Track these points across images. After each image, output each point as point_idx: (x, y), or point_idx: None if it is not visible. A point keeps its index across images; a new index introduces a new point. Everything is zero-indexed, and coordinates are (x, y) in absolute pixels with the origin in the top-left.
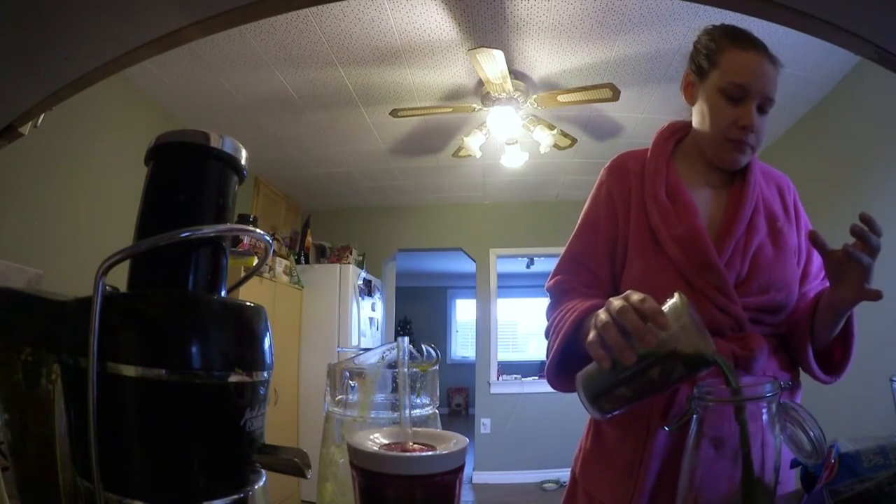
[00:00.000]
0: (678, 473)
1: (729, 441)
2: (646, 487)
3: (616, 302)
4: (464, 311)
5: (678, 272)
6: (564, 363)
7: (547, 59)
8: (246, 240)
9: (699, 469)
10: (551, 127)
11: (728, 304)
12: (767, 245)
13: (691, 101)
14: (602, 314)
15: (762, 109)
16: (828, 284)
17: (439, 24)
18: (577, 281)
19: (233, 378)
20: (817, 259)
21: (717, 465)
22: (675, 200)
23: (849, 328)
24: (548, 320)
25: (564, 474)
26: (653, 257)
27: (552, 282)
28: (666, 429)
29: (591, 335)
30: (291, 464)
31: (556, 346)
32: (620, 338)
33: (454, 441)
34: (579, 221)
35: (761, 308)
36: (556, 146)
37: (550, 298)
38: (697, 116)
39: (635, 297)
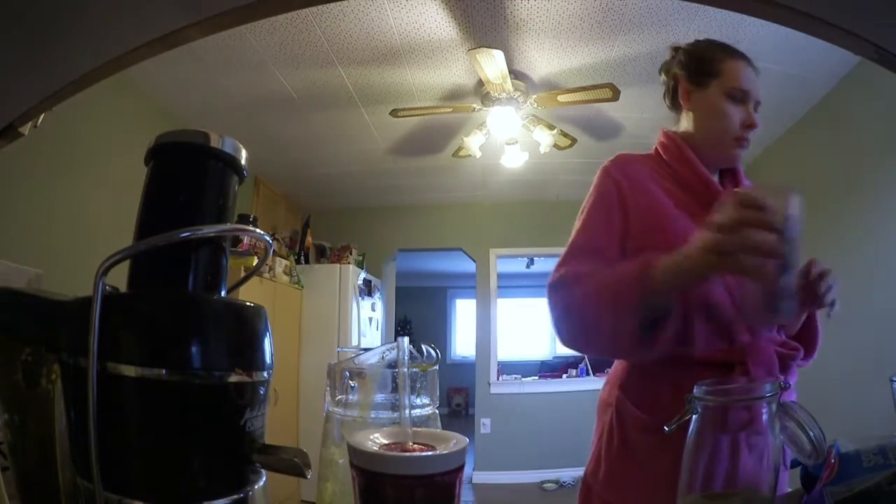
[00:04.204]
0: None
1: (729, 440)
2: None
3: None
4: (464, 311)
5: None
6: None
7: (547, 59)
8: (246, 240)
9: (699, 468)
10: (551, 127)
11: None
12: None
13: (687, 105)
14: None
15: (755, 110)
16: None
17: (439, 24)
18: (594, 270)
19: (233, 378)
20: None
21: (717, 463)
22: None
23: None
24: (565, 306)
25: (564, 474)
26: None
27: (563, 271)
28: (666, 429)
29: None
30: (291, 464)
31: (631, 301)
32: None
33: (454, 441)
34: (587, 213)
35: None
36: (556, 146)
37: (562, 287)
38: (698, 120)
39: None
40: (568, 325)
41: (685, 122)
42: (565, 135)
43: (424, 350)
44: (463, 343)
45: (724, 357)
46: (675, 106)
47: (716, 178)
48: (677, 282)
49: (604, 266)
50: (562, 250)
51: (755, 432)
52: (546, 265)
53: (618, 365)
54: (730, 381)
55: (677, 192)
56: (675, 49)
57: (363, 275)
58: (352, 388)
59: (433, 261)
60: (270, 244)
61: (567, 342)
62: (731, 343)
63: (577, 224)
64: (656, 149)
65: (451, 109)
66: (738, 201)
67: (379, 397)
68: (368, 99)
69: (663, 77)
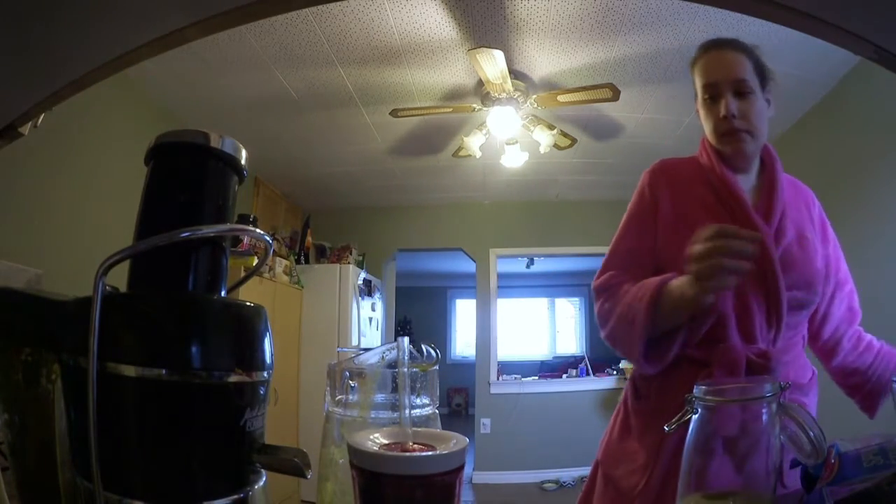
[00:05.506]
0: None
1: (729, 440)
2: (654, 480)
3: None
4: (464, 311)
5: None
6: (651, 337)
7: (547, 59)
8: (246, 240)
9: (698, 468)
10: (551, 127)
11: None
12: (795, 246)
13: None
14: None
15: (740, 94)
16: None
17: (439, 24)
18: (631, 278)
19: (232, 378)
20: (843, 267)
21: (717, 463)
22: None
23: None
24: (601, 314)
25: (564, 474)
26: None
27: (605, 277)
28: (666, 428)
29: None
30: (291, 464)
31: (642, 318)
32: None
33: (454, 441)
34: (626, 218)
35: (788, 304)
36: (556, 146)
37: (601, 293)
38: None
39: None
40: (602, 328)
41: None
42: (565, 135)
43: (424, 350)
44: (463, 343)
45: (697, 356)
46: None
47: (754, 174)
48: (681, 309)
49: (639, 271)
50: (562, 250)
51: (755, 432)
52: (546, 265)
53: None
54: (729, 382)
55: (708, 195)
56: None
57: (363, 275)
58: (352, 388)
59: (433, 261)
60: (270, 244)
61: (603, 339)
62: (717, 344)
63: (621, 228)
64: (698, 153)
65: (451, 109)
66: (712, 233)
67: (379, 397)
68: (368, 99)
69: None
